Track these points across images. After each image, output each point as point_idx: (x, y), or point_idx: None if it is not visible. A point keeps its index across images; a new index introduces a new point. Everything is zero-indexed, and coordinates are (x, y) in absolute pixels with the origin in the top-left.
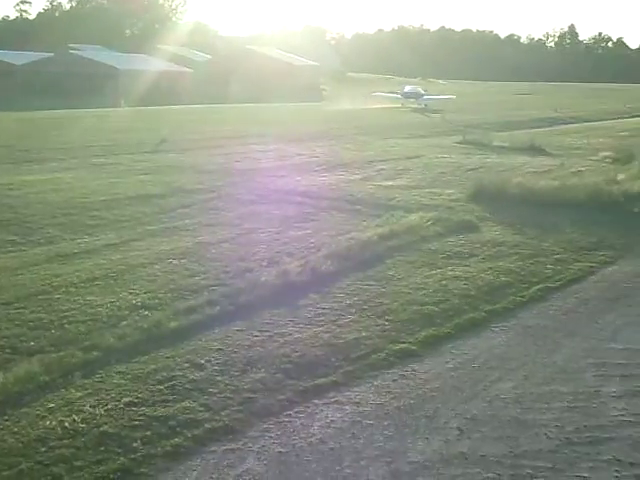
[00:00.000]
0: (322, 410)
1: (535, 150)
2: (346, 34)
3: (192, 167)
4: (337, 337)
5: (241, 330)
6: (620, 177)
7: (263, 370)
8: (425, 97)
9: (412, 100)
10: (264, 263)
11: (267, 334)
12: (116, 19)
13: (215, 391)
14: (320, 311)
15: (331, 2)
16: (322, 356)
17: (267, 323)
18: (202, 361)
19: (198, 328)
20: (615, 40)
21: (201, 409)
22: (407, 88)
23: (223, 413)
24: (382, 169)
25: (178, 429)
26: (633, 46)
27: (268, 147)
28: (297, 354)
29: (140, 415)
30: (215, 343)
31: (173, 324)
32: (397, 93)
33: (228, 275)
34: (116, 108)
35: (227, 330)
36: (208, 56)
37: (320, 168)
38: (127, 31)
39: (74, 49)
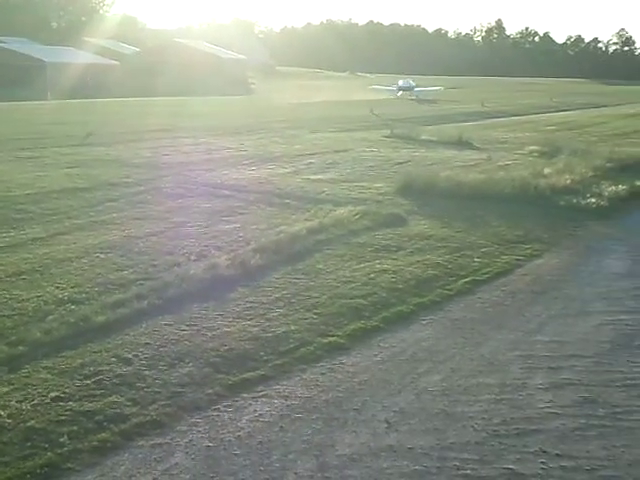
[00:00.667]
0: (250, 404)
1: (463, 144)
2: (275, 28)
3: (120, 160)
4: (266, 331)
5: (169, 324)
6: (546, 171)
7: (191, 364)
8: (416, 89)
9: (406, 92)
10: (193, 257)
11: (195, 328)
12: (42, 11)
13: (143, 385)
14: (249, 305)
15: None
16: (251, 350)
17: (195, 317)
18: (130, 355)
19: (126, 322)
20: (542, 35)
21: (128, 404)
22: (401, 82)
23: (151, 407)
24: (311, 163)
25: (105, 424)
26: (559, 40)
27: (196, 140)
28: (226, 348)
29: (67, 410)
30: (143, 337)
31: (101, 318)
32: (393, 86)
33: (156, 269)
34: (43, 101)
35: (155, 324)
36: (136, 49)
37: (249, 162)
38: (53, 23)
39: None
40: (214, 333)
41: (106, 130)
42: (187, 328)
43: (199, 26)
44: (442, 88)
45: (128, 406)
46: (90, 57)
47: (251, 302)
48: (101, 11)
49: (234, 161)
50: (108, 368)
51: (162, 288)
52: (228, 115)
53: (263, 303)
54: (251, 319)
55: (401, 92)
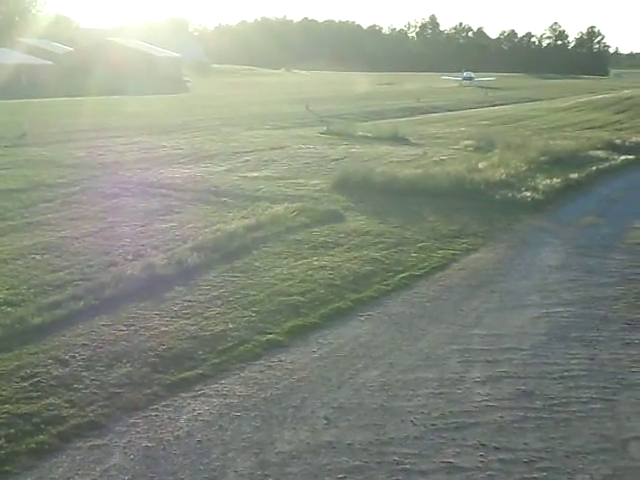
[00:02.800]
0: (189, 403)
1: (398, 139)
2: (209, 25)
3: (54, 161)
4: (204, 329)
5: (106, 325)
6: (481, 165)
7: (129, 364)
8: (476, 79)
9: (468, 81)
10: (129, 257)
11: (133, 328)
12: None
13: (80, 387)
14: (186, 304)
15: None
16: (189, 349)
17: (133, 317)
18: (67, 357)
19: (62, 324)
20: (476, 30)
21: (66, 405)
22: (465, 74)
23: (89, 409)
24: (247, 160)
25: (42, 426)
26: (493, 35)
27: (131, 140)
28: (164, 347)
29: (3, 413)
30: (80, 338)
31: (37, 320)
32: (459, 77)
33: (92, 269)
34: None
35: (92, 325)
36: (69, 49)
37: (185, 160)
38: None
39: None
40: (152, 333)
41: (40, 130)
42: (124, 328)
43: (133, 25)
44: (494, 78)
45: (65, 408)
46: (22, 57)
47: (189, 301)
48: (34, 11)
49: (170, 160)
50: (45, 370)
51: (99, 288)
52: (163, 113)
53: (201, 302)
54: (189, 318)
55: (465, 81)
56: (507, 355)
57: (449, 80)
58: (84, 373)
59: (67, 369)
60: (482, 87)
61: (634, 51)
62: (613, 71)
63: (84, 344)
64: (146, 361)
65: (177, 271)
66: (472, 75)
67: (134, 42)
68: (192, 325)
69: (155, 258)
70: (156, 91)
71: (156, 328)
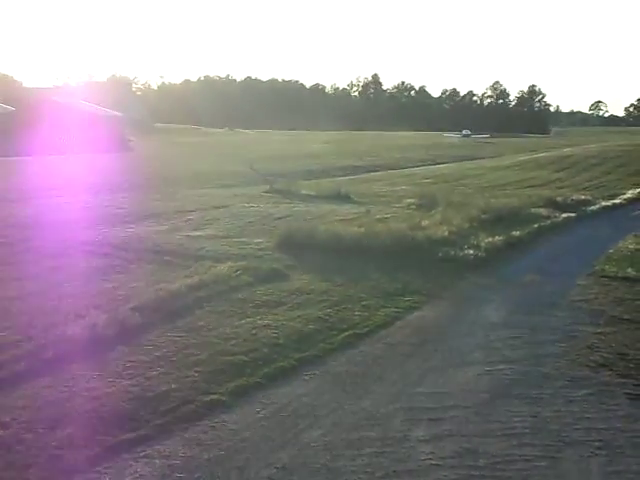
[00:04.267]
0: (131, 465)
1: (341, 198)
2: (152, 84)
3: None
4: (146, 390)
5: (48, 386)
6: (424, 223)
7: (71, 426)
8: (473, 136)
9: (466, 138)
10: (71, 317)
11: (75, 389)
12: None
13: (21, 449)
14: (129, 364)
15: (137, 52)
16: (131, 410)
17: (74, 378)
18: (7, 419)
19: (3, 385)
20: (418, 89)
21: (5, 467)
22: (464, 132)
23: (29, 471)
24: (190, 219)
25: None
26: (435, 94)
27: (74, 199)
28: (106, 409)
29: None
30: (21, 400)
31: None
32: (459, 134)
33: (35, 330)
34: None
35: (33, 387)
36: (11, 108)
37: (127, 219)
38: None
39: None
40: (94, 394)
41: None
42: (66, 389)
43: (76, 84)
44: (488, 135)
45: (5, 470)
46: None
47: (131, 361)
48: None
49: (112, 219)
50: None
51: (40, 349)
52: (106, 173)
53: (143, 362)
54: (131, 379)
55: (464, 137)
56: (450, 413)
57: (450, 137)
58: (25, 435)
59: (8, 431)
60: (477, 142)
61: (574, 109)
62: (554, 129)
63: (25, 406)
64: (88, 422)
65: (120, 331)
66: (469, 132)
67: (77, 101)
68: (134, 386)
69: (98, 318)
70: (99, 150)
71: (98, 389)
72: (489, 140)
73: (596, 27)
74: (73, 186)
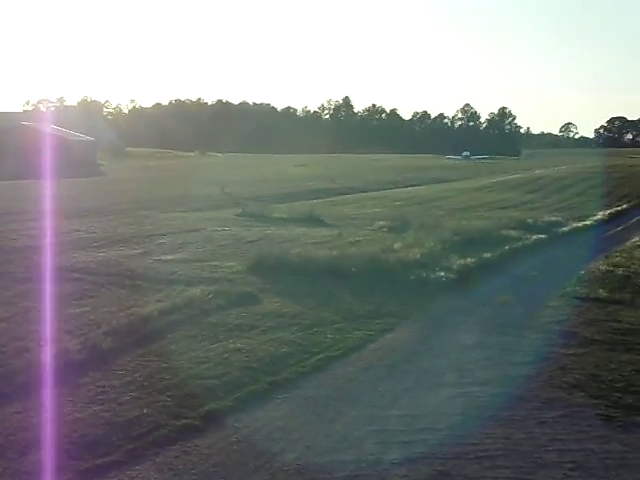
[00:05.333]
0: None
1: (314, 221)
2: (123, 108)
3: None
4: (118, 415)
5: (19, 412)
6: (396, 246)
7: (42, 452)
8: (472, 157)
9: (466, 159)
10: (42, 342)
11: (46, 415)
12: None
13: None
14: (101, 389)
15: (108, 76)
16: (103, 435)
17: (46, 403)
18: None
19: None
20: (389, 111)
21: None
22: (464, 153)
23: None
24: (162, 243)
25: None
26: (406, 117)
27: (44, 224)
28: (77, 434)
29: None
30: None
31: None
32: (460, 156)
33: (5, 355)
34: None
35: (4, 412)
36: None
37: (99, 244)
38: None
39: None
40: (65, 419)
41: None
42: (37, 415)
43: (46, 108)
44: (487, 156)
45: None
46: None
47: (103, 386)
48: None
49: (83, 244)
50: None
51: (11, 375)
52: (77, 197)
53: (115, 387)
54: (103, 404)
55: (465, 160)
56: (423, 435)
57: (452, 159)
58: None
59: None
60: (478, 163)
61: (545, 131)
62: (526, 151)
63: None
64: (60, 448)
65: (91, 356)
66: (469, 154)
67: (48, 126)
68: (106, 411)
69: (69, 343)
70: (70, 175)
71: (70, 414)
72: (489, 161)
73: (564, 51)
74: (43, 211)
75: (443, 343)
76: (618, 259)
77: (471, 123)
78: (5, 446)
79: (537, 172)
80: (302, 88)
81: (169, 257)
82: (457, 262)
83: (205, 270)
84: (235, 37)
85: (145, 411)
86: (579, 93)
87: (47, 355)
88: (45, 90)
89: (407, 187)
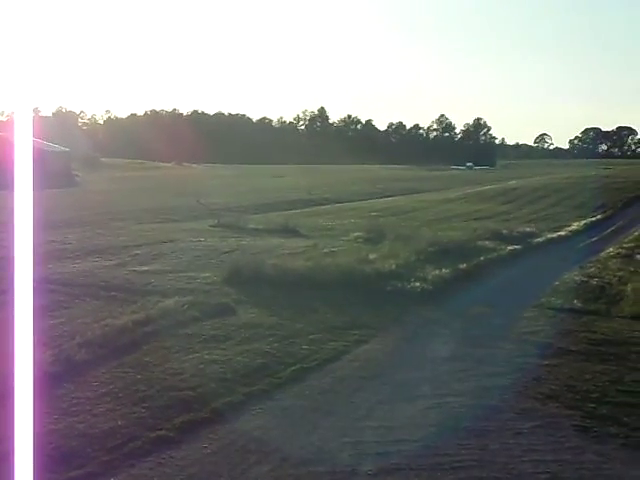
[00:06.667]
0: None
1: (289, 231)
2: (99, 118)
3: None
4: (93, 427)
5: None
6: (372, 256)
7: (16, 464)
8: (475, 167)
9: (469, 170)
10: (16, 354)
11: (20, 426)
12: None
13: None
14: (75, 401)
15: (83, 86)
16: (77, 447)
17: (20, 415)
18: None
19: None
20: (364, 122)
21: None
22: (468, 164)
23: None
24: (137, 254)
25: None
26: (382, 127)
27: (18, 235)
28: (51, 446)
29: None
30: None
31: None
32: (464, 166)
33: None
34: None
35: None
36: None
37: (73, 255)
38: None
39: None
40: (39, 431)
41: None
42: (11, 427)
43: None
44: (487, 167)
45: None
46: None
47: (77, 398)
48: None
49: (58, 255)
50: None
51: None
52: (51, 208)
53: (90, 398)
54: (77, 415)
55: (468, 169)
56: (398, 447)
57: (456, 169)
58: None
59: None
60: (479, 172)
61: (520, 142)
62: (501, 162)
63: None
64: (34, 460)
65: (65, 368)
66: (472, 165)
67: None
68: (81, 423)
69: (43, 355)
70: (45, 186)
71: (43, 427)
72: (488, 170)
73: (539, 62)
74: (17, 222)
75: (418, 354)
76: (593, 270)
77: (446, 134)
78: None
79: (512, 183)
80: (277, 99)
81: (144, 268)
82: (432, 273)
83: (180, 281)
84: (210, 48)
85: (120, 423)
86: (554, 104)
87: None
88: (19, 101)
89: (383, 198)
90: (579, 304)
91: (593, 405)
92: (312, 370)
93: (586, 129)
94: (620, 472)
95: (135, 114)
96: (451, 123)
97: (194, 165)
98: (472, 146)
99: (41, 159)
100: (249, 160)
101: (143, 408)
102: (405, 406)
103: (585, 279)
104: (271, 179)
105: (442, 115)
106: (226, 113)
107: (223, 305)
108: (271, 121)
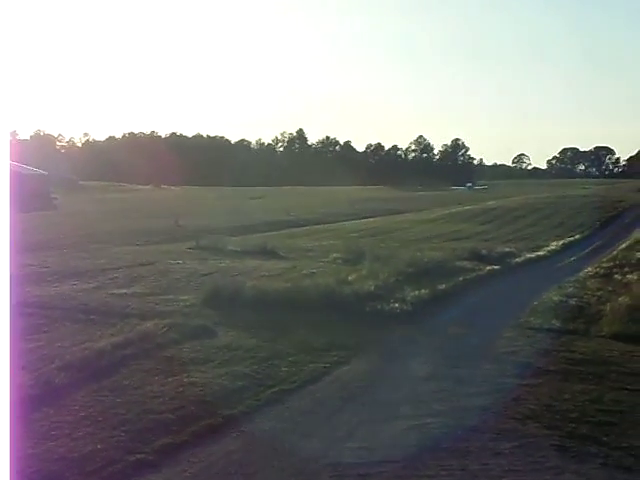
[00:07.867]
0: None
1: (268, 253)
2: (77, 141)
3: None
4: (72, 451)
5: None
6: (351, 277)
7: None
8: (475, 187)
9: (469, 190)
10: None
11: None
12: None
13: None
14: (54, 425)
15: (61, 109)
16: (56, 471)
17: None
18: None
19: None
20: (343, 144)
21: None
22: (468, 184)
23: None
24: (116, 277)
25: None
26: (360, 149)
27: None
28: (30, 470)
29: None
30: None
31: None
32: (464, 186)
33: None
34: None
35: None
36: None
37: (52, 278)
38: None
39: None
40: (18, 455)
41: None
42: None
43: None
44: (487, 186)
45: None
46: None
47: (56, 422)
48: None
49: (36, 278)
50: None
51: None
52: (30, 231)
53: (69, 422)
54: (56, 439)
55: (468, 189)
56: (379, 468)
57: (456, 189)
58: None
59: None
60: (478, 191)
61: (498, 162)
62: (479, 182)
63: None
64: None
65: (45, 391)
66: (471, 184)
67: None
68: (60, 447)
69: (22, 378)
70: (23, 209)
71: (22, 450)
72: (486, 189)
73: (516, 83)
74: None
75: (398, 375)
76: (571, 289)
77: (425, 155)
78: None
79: (490, 203)
80: (256, 120)
81: (123, 291)
82: (411, 294)
83: (159, 304)
84: (188, 70)
85: (99, 446)
86: (531, 124)
87: None
88: None
89: (362, 219)
90: (558, 324)
91: (573, 425)
92: (292, 392)
93: (564, 149)
94: None
95: (113, 137)
96: (429, 144)
97: (173, 187)
98: (450, 167)
99: (19, 182)
100: (228, 182)
101: (122, 432)
102: (385, 427)
103: (564, 299)
104: (250, 201)
105: (420, 136)
106: (205, 135)
107: (202, 327)
108: (250, 143)
